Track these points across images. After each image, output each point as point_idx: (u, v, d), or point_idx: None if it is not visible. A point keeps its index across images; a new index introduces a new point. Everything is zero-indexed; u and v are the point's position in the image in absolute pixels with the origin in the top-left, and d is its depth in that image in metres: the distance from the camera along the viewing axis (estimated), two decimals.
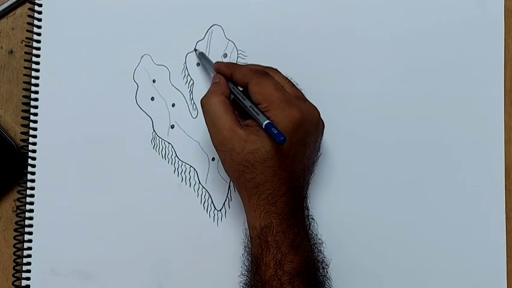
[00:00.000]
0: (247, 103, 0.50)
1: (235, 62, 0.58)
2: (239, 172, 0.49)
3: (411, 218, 0.57)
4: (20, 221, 0.56)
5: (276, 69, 0.53)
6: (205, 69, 0.58)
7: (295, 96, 0.51)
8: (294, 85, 0.53)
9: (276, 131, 0.46)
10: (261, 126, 0.48)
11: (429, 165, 0.58)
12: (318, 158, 0.54)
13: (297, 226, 0.49)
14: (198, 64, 0.58)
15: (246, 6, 0.58)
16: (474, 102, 0.58)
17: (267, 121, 0.47)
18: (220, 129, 0.49)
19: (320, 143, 0.54)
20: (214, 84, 0.53)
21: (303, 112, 0.49)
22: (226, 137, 0.49)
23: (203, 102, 0.51)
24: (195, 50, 0.57)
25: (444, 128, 0.58)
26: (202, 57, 0.57)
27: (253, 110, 0.49)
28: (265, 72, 0.51)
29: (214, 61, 0.56)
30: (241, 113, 0.52)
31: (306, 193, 0.52)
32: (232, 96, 0.52)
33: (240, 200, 0.52)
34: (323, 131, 0.53)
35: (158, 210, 0.57)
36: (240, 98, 0.51)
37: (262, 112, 0.49)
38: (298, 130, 0.49)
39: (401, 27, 0.58)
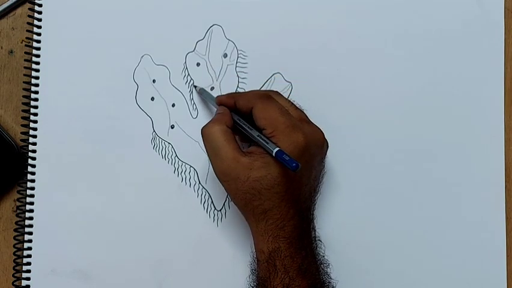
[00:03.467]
0: (255, 133, 0.49)
1: (235, 61, 0.58)
2: (246, 200, 0.49)
3: (412, 220, 0.57)
4: (20, 221, 0.56)
5: (278, 92, 0.53)
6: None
7: (299, 119, 0.51)
8: (297, 107, 0.52)
9: (287, 158, 0.46)
10: (270, 154, 0.47)
11: (429, 166, 0.58)
12: (323, 177, 0.54)
13: (305, 249, 0.49)
14: (197, 64, 0.58)
15: (246, 6, 0.58)
16: (474, 102, 0.58)
17: (277, 149, 0.47)
18: (223, 159, 0.49)
19: (324, 162, 0.54)
20: (217, 114, 0.52)
21: (308, 136, 0.49)
22: (229, 167, 0.49)
23: (203, 131, 0.51)
24: (194, 86, 0.57)
25: (444, 128, 0.58)
26: (203, 93, 0.57)
27: (262, 139, 0.49)
28: (269, 96, 0.51)
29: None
30: (242, 138, 0.52)
31: (313, 214, 0.52)
32: (235, 125, 0.52)
33: None
34: (326, 151, 0.53)
35: (158, 210, 0.57)
36: (247, 128, 0.50)
37: (271, 140, 0.48)
38: (304, 154, 0.48)
39: (401, 28, 0.58)
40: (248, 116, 0.51)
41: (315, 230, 0.52)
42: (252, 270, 0.52)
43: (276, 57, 0.58)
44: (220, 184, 0.50)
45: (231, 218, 0.57)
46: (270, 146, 0.48)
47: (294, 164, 0.45)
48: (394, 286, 0.57)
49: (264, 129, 0.49)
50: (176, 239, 0.57)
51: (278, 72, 0.58)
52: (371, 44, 0.58)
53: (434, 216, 0.57)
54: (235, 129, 0.51)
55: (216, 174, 0.50)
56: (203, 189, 0.57)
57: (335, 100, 0.58)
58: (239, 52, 0.58)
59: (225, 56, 0.58)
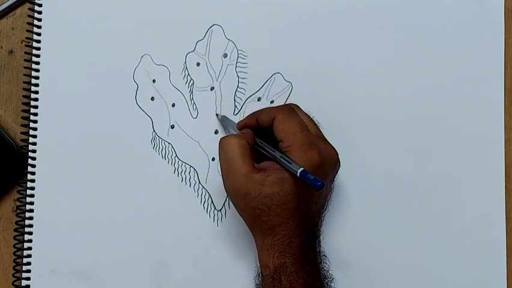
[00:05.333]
0: (277, 154, 0.49)
1: (235, 61, 0.58)
2: (254, 216, 0.49)
3: (412, 220, 0.57)
4: (20, 221, 0.56)
5: (298, 106, 0.53)
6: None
7: (316, 137, 0.51)
8: (315, 124, 0.52)
9: (312, 177, 0.46)
10: (293, 173, 0.47)
11: (428, 166, 0.58)
12: (331, 195, 0.54)
13: (310, 264, 0.49)
14: (197, 64, 0.58)
15: (246, 6, 0.58)
16: (474, 102, 0.58)
17: (302, 169, 0.47)
18: (235, 173, 0.49)
19: (334, 181, 0.54)
20: (240, 132, 0.53)
21: (323, 154, 0.49)
22: (240, 182, 0.48)
23: (221, 141, 0.50)
24: (216, 114, 0.57)
25: (444, 128, 0.58)
26: (225, 120, 0.57)
27: (284, 160, 0.48)
28: (291, 108, 0.51)
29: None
30: (256, 153, 0.51)
31: (320, 230, 0.52)
32: (255, 148, 0.51)
33: None
34: (338, 170, 0.53)
35: (158, 210, 0.57)
36: (269, 150, 0.50)
37: (293, 160, 0.48)
38: (318, 172, 0.48)
39: (401, 28, 0.58)
40: (270, 136, 0.51)
41: (320, 245, 0.52)
42: (256, 285, 0.52)
43: (276, 57, 0.58)
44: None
45: (231, 218, 0.57)
46: (293, 166, 0.47)
47: (319, 183, 0.45)
48: None
49: (281, 141, 0.49)
50: (176, 239, 0.57)
51: (278, 72, 0.58)
52: (370, 44, 0.58)
53: (434, 216, 0.57)
54: (254, 151, 0.51)
55: (225, 187, 0.50)
56: (203, 189, 0.57)
57: (335, 100, 0.58)
58: (239, 52, 0.58)
59: (225, 56, 0.58)
